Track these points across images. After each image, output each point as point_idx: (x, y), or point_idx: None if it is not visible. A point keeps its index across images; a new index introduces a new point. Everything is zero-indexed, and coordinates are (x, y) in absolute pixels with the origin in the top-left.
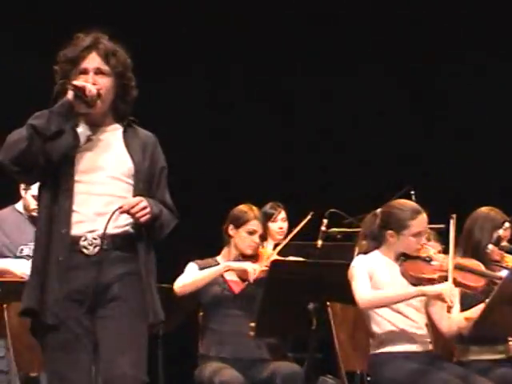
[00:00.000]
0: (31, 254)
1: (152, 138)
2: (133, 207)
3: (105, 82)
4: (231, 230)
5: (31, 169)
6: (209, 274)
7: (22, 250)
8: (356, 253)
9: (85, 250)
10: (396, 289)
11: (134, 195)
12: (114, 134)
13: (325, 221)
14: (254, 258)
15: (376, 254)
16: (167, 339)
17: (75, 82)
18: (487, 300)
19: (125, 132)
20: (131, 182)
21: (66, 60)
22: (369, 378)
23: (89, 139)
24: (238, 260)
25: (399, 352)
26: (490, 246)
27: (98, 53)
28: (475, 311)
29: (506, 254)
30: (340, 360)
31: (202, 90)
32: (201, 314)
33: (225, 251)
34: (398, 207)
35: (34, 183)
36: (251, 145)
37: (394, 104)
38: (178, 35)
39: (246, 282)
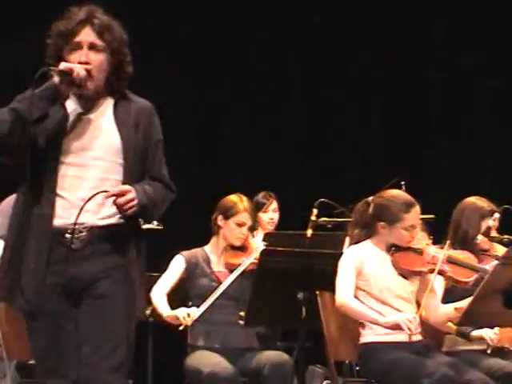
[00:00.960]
0: None
1: (147, 107)
2: (118, 196)
3: (99, 58)
4: (220, 221)
5: (13, 151)
6: (163, 313)
7: None
8: (347, 243)
9: (70, 244)
10: (369, 311)
11: (125, 174)
12: (104, 110)
13: (315, 210)
14: (241, 249)
15: (367, 243)
16: (157, 329)
17: (61, 67)
18: (476, 291)
19: (115, 106)
20: (120, 160)
21: (59, 34)
22: (357, 368)
23: (78, 117)
24: (226, 250)
25: (388, 342)
26: (480, 237)
27: (92, 27)
28: (465, 302)
29: (495, 244)
30: (329, 350)
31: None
32: (190, 304)
33: (213, 241)
34: (391, 199)
35: (17, 165)
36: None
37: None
38: None
39: (231, 272)
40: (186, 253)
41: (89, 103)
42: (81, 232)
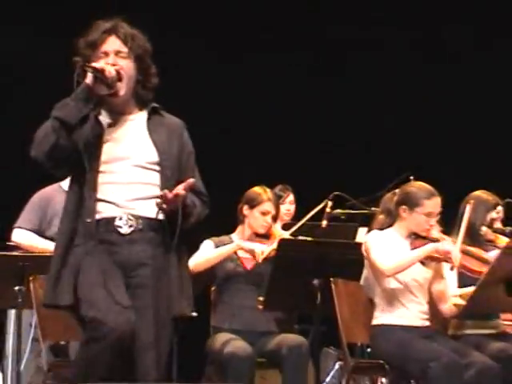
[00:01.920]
0: None
1: (179, 124)
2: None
3: (125, 63)
4: (246, 210)
5: (64, 162)
6: (221, 252)
7: None
8: (360, 233)
9: (119, 229)
10: (412, 253)
11: (162, 182)
12: (137, 122)
13: (329, 203)
14: (266, 236)
15: (389, 231)
16: None
17: (93, 64)
18: (480, 279)
19: (149, 119)
20: (157, 168)
21: (87, 44)
22: (369, 350)
23: (110, 127)
24: (252, 238)
25: (399, 325)
26: (484, 228)
27: (117, 36)
28: (470, 289)
29: (499, 235)
30: (342, 333)
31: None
32: (213, 288)
33: (239, 229)
34: (417, 187)
35: (68, 176)
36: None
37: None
38: None
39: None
40: (214, 238)
41: (119, 116)
42: (129, 219)
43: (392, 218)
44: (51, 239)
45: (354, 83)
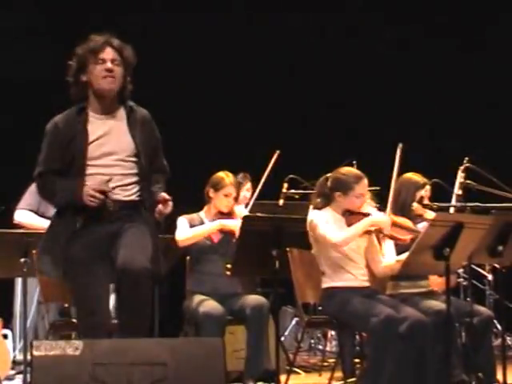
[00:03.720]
0: None
1: (148, 116)
2: (167, 203)
3: (118, 69)
4: (211, 193)
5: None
6: (205, 229)
7: None
8: (311, 208)
9: (109, 207)
10: (357, 226)
11: (139, 169)
12: (119, 120)
13: (285, 184)
14: (229, 214)
15: (327, 209)
16: (161, 279)
17: (99, 195)
18: (412, 246)
19: (128, 117)
20: (135, 159)
21: (87, 51)
22: (320, 308)
23: (100, 124)
24: (217, 216)
25: (343, 287)
26: (415, 204)
27: (112, 47)
28: (404, 256)
29: (427, 210)
30: (297, 294)
31: None
32: (188, 258)
33: (206, 209)
34: (345, 173)
35: None
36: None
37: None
38: None
39: (223, 234)
40: (187, 216)
41: (106, 115)
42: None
43: (327, 200)
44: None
45: None
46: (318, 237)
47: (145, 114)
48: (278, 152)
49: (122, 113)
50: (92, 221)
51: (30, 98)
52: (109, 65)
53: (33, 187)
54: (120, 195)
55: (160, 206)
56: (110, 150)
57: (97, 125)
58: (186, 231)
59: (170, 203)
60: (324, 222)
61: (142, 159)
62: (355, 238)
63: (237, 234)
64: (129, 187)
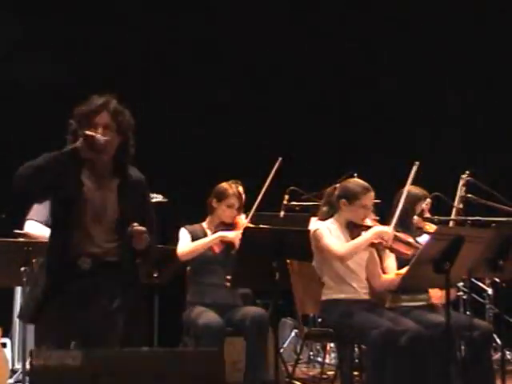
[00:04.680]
0: None
1: (142, 181)
2: (142, 235)
3: (111, 135)
4: (214, 203)
5: (29, 195)
6: (205, 242)
7: None
8: (315, 219)
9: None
10: (359, 240)
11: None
12: (110, 188)
13: (286, 196)
14: (231, 225)
15: (330, 221)
16: (161, 289)
17: (87, 132)
18: (412, 260)
19: (120, 185)
20: (119, 223)
21: (82, 114)
22: (319, 320)
23: (92, 193)
24: (220, 226)
25: (344, 299)
26: (415, 217)
27: (108, 111)
28: (404, 270)
29: (427, 223)
30: (297, 306)
31: None
32: (188, 268)
33: (209, 219)
34: (354, 183)
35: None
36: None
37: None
38: None
39: (224, 245)
40: (188, 227)
41: (98, 178)
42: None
43: (333, 210)
44: None
45: None
46: (321, 247)
47: (139, 179)
48: (280, 159)
49: (114, 181)
50: (65, 279)
51: (33, 106)
52: (99, 131)
53: None
54: (99, 253)
55: (134, 240)
56: (97, 215)
57: (87, 187)
58: (187, 246)
59: (145, 236)
60: (328, 232)
61: (125, 223)
62: (360, 250)
63: (236, 245)
64: (112, 244)
